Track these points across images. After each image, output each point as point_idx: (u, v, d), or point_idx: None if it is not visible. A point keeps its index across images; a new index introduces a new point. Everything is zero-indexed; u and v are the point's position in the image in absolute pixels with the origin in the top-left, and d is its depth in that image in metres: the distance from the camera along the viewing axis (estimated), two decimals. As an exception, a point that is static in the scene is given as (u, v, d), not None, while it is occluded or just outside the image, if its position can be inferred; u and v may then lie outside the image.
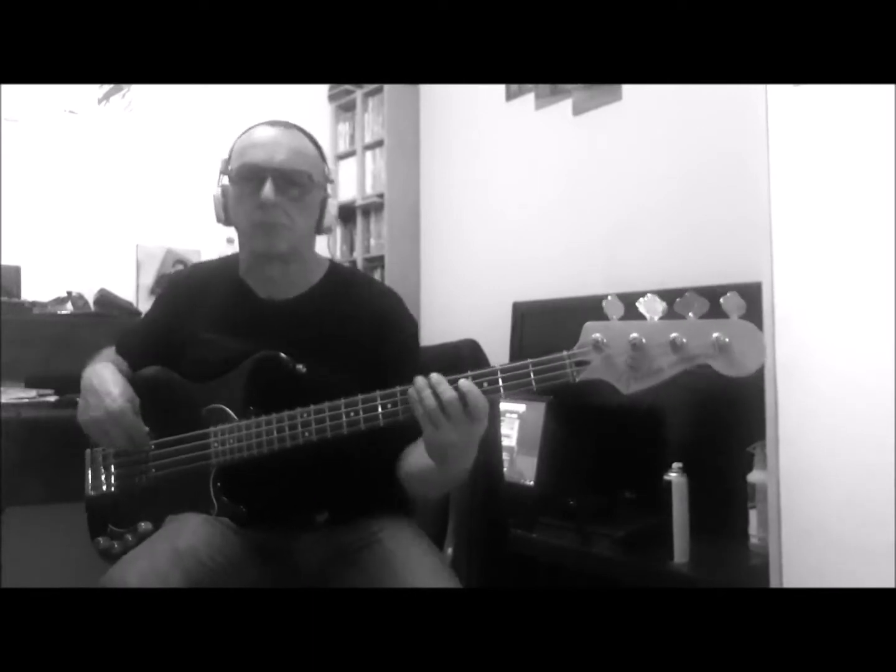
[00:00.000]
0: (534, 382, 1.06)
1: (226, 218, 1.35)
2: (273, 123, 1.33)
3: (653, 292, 1.02)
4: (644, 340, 1.00)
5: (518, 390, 1.08)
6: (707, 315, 1.00)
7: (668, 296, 1.02)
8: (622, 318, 1.03)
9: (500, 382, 1.08)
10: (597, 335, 1.03)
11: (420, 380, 1.08)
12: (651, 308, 1.01)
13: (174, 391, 1.35)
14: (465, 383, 1.07)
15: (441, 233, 3.40)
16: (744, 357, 0.99)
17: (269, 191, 1.25)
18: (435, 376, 1.08)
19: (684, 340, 0.99)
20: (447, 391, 1.06)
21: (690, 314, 1.00)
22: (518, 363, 1.08)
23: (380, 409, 1.14)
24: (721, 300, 0.99)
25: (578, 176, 2.78)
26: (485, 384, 1.08)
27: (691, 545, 1.85)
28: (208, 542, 1.19)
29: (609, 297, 1.03)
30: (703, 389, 1.88)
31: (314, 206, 1.33)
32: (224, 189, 1.34)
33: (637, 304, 1.01)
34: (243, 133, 1.35)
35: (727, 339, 0.98)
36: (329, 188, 1.37)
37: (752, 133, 1.63)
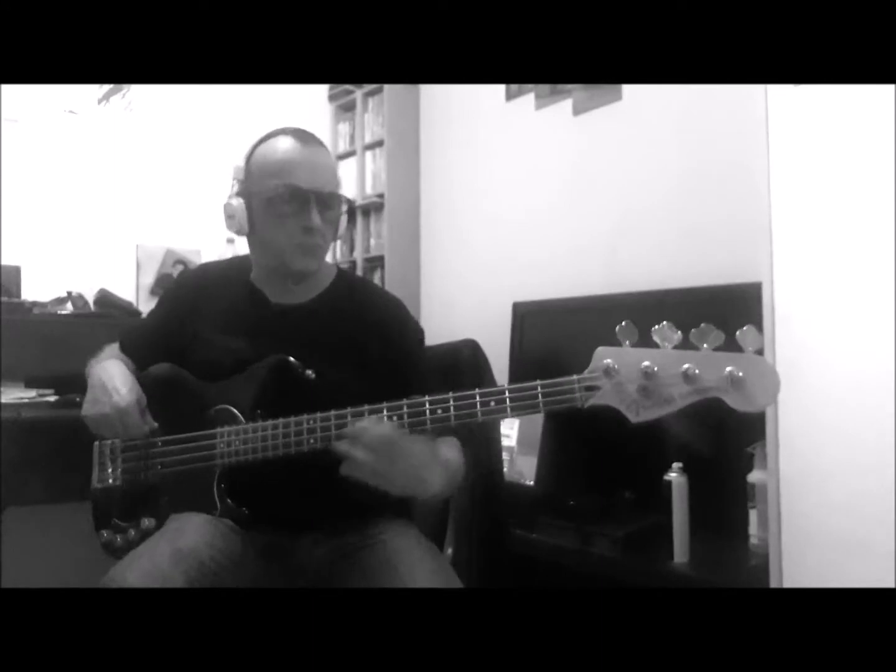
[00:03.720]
0: (541, 405, 1.05)
1: (250, 230, 1.33)
2: (295, 135, 1.31)
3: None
4: (656, 369, 0.99)
5: (524, 412, 1.07)
6: (722, 347, 0.98)
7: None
8: (635, 345, 1.01)
9: (508, 402, 1.07)
10: (608, 361, 1.01)
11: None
12: (665, 336, 0.99)
13: (183, 390, 1.35)
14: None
15: (441, 233, 3.40)
16: (757, 393, 0.97)
17: (316, 216, 1.27)
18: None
19: (697, 372, 0.97)
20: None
21: (705, 345, 0.98)
22: (526, 384, 1.07)
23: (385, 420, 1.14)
24: (737, 333, 0.97)
25: (578, 176, 2.78)
26: (492, 403, 1.08)
27: (691, 545, 1.86)
28: (210, 542, 1.19)
29: (624, 323, 1.01)
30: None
31: (338, 220, 1.34)
32: (248, 201, 1.31)
33: (651, 331, 1.00)
34: (262, 142, 1.33)
35: (741, 374, 0.96)
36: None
37: (752, 133, 1.63)
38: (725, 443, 1.99)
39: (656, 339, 1.00)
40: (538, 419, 2.26)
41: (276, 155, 1.30)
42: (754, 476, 1.86)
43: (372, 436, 1.09)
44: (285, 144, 1.30)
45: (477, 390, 1.09)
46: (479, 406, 1.09)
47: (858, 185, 1.46)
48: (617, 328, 1.01)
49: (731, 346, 0.99)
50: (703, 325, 0.99)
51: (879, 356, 1.41)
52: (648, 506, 2.01)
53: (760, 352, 0.99)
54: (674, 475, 1.87)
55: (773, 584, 1.56)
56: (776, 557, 1.56)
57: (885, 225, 1.41)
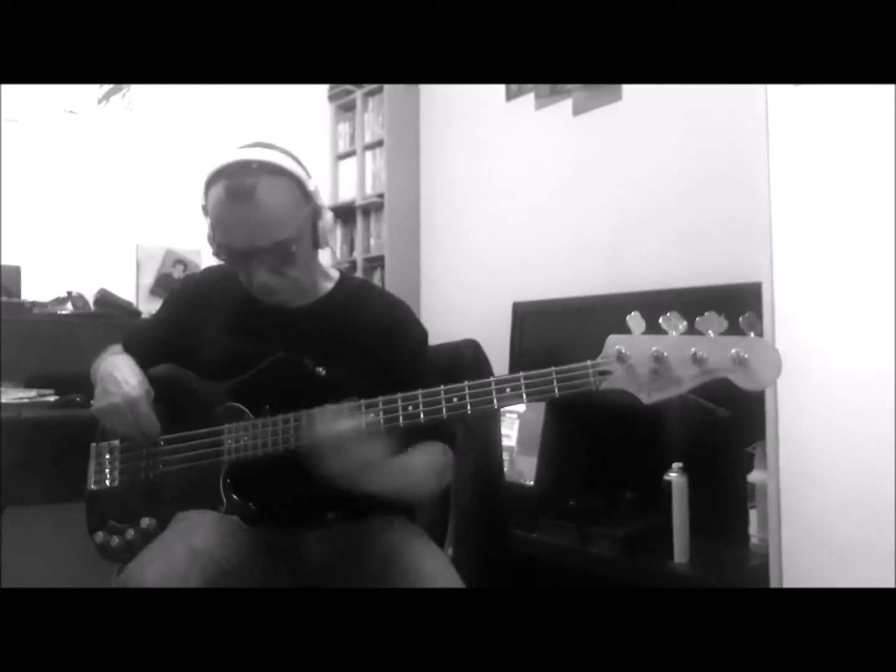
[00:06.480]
0: (557, 390, 1.08)
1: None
2: (228, 184, 1.22)
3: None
4: (666, 354, 1.04)
5: (540, 397, 1.10)
6: (725, 334, 1.04)
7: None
8: (644, 333, 1.06)
9: (524, 388, 1.09)
10: (620, 347, 1.06)
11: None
12: (672, 324, 1.05)
13: (189, 388, 1.35)
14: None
15: (441, 233, 3.40)
16: (761, 372, 1.03)
17: (258, 274, 1.26)
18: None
19: (705, 355, 1.03)
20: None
21: (710, 332, 1.04)
22: (541, 371, 1.09)
23: (400, 412, 1.15)
24: (740, 319, 1.03)
25: (578, 176, 2.78)
26: (507, 390, 1.10)
27: (691, 545, 1.86)
28: (222, 541, 1.20)
29: (633, 314, 1.07)
30: (703, 390, 1.88)
31: (307, 244, 1.31)
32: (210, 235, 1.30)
33: (660, 320, 1.05)
34: (209, 184, 1.26)
35: (745, 355, 1.02)
36: (318, 203, 1.31)
37: (752, 133, 1.63)
38: (725, 443, 1.99)
39: (664, 326, 1.05)
40: (538, 420, 2.26)
41: (213, 207, 1.26)
42: (754, 476, 1.86)
43: (329, 425, 1.14)
44: (218, 196, 1.23)
45: (493, 377, 1.11)
46: (494, 393, 1.11)
47: (858, 185, 1.46)
48: (627, 318, 1.07)
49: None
50: (707, 312, 1.04)
51: (879, 356, 1.41)
52: (648, 506, 2.01)
53: (761, 335, 1.05)
54: (674, 475, 1.87)
55: (773, 584, 1.56)
56: (776, 557, 1.56)
57: (885, 225, 1.41)
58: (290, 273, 1.29)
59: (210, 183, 1.26)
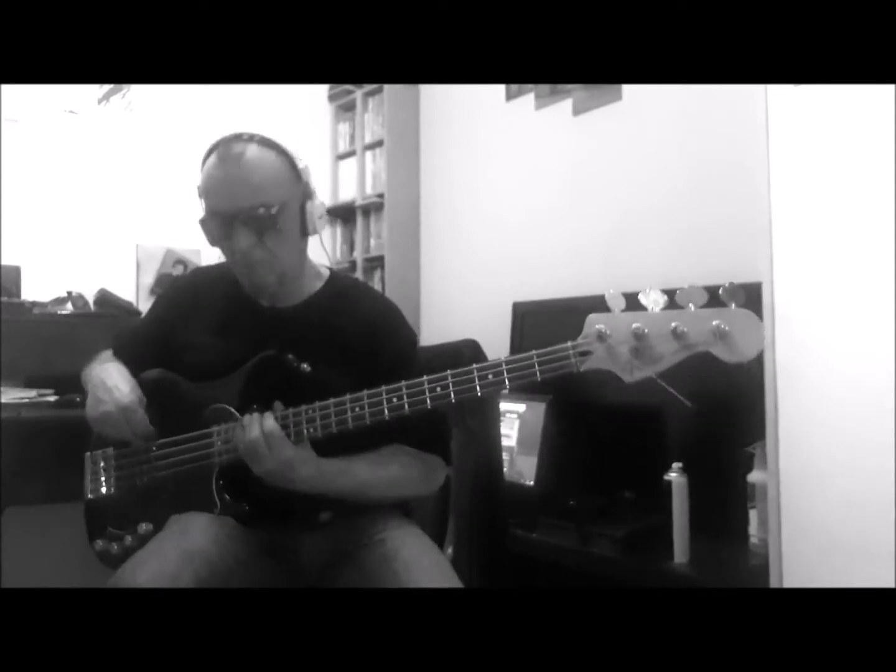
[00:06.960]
0: (538, 373, 1.07)
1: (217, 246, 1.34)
2: (221, 150, 1.27)
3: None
4: (646, 330, 1.02)
5: (523, 381, 1.09)
6: (706, 306, 1.02)
7: (669, 296, 1.03)
8: (624, 311, 1.05)
9: (505, 374, 1.09)
10: (600, 326, 1.05)
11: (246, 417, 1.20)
12: (652, 300, 1.03)
13: (178, 392, 1.35)
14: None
15: (441, 233, 3.40)
16: (743, 343, 1.00)
17: (240, 240, 1.26)
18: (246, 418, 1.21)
19: (685, 329, 1.01)
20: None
21: (690, 305, 1.02)
22: (522, 355, 1.09)
23: (385, 404, 1.15)
24: (720, 290, 1.01)
25: (578, 176, 2.78)
26: (489, 376, 1.09)
27: (691, 545, 1.86)
28: (216, 541, 1.20)
29: (611, 291, 1.05)
30: (703, 390, 1.89)
31: (293, 222, 1.30)
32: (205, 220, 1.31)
33: (639, 296, 1.04)
34: (209, 153, 1.29)
35: (727, 327, 1.00)
36: (308, 184, 1.33)
37: (752, 133, 1.63)
38: (725, 443, 1.99)
39: (644, 302, 1.04)
40: (538, 419, 2.26)
41: (204, 177, 1.29)
42: (754, 476, 1.86)
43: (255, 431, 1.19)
44: (209, 165, 1.28)
45: (475, 365, 1.10)
46: (477, 381, 1.10)
47: (858, 185, 1.46)
48: (606, 296, 1.05)
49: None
50: (687, 285, 1.03)
51: (879, 356, 1.41)
52: (648, 506, 2.01)
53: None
54: (674, 475, 1.87)
55: (773, 584, 1.56)
56: (776, 557, 1.56)
57: (885, 225, 1.41)
58: (271, 245, 1.27)
59: (205, 159, 1.30)
